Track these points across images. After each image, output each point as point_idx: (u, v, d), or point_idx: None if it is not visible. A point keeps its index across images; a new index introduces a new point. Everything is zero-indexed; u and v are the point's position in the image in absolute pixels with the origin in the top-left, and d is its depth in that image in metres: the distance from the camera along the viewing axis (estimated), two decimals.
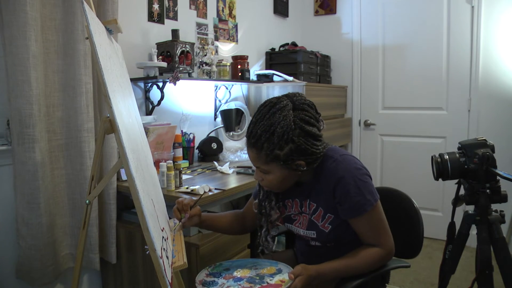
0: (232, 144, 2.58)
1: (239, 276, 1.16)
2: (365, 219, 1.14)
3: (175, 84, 1.93)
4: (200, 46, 2.45)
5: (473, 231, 1.34)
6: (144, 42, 2.12)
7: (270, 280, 1.11)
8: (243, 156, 2.44)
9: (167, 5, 2.24)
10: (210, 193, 1.61)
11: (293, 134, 1.08)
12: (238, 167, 2.14)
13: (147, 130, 1.86)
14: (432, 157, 1.39)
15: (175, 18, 2.29)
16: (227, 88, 2.66)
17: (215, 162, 2.21)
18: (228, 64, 2.45)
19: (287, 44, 3.19)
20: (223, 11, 2.67)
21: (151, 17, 2.15)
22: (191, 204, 1.28)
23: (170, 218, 1.49)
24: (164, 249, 1.05)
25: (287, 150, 1.08)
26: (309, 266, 1.10)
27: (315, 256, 1.26)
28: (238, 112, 2.67)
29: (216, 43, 2.60)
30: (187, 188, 1.63)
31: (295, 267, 1.09)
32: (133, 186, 0.98)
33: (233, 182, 1.83)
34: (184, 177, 1.87)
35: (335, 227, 1.19)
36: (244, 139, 2.69)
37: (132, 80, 1.89)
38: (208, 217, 1.36)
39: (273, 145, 1.08)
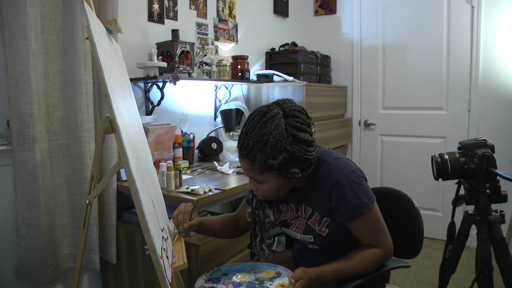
0: (232, 144, 2.58)
1: (238, 281, 1.15)
2: (362, 222, 1.14)
3: (175, 84, 1.93)
4: (200, 46, 2.45)
5: (473, 231, 1.34)
6: (144, 42, 2.12)
7: (270, 284, 1.11)
8: None
9: (167, 5, 2.24)
10: (210, 193, 1.61)
11: (286, 142, 1.07)
12: (238, 167, 2.14)
13: (147, 130, 1.86)
14: (432, 157, 1.39)
15: (175, 18, 2.29)
16: (227, 88, 2.66)
17: (215, 162, 2.21)
18: (228, 64, 2.45)
19: (287, 44, 3.19)
20: (223, 11, 2.67)
21: (151, 17, 2.15)
22: (190, 212, 1.25)
23: (170, 219, 1.49)
24: (164, 249, 1.05)
25: (281, 159, 1.07)
26: (308, 269, 1.09)
27: (313, 258, 1.25)
28: (238, 112, 2.67)
29: (216, 43, 2.60)
30: (187, 188, 1.63)
31: (295, 270, 1.08)
32: (133, 186, 0.98)
33: (233, 182, 1.83)
34: (184, 177, 1.87)
35: (332, 230, 1.19)
36: None
37: (132, 80, 1.89)
38: (203, 223, 1.32)
39: (266, 155, 1.06)
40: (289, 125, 1.08)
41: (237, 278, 1.17)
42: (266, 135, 1.06)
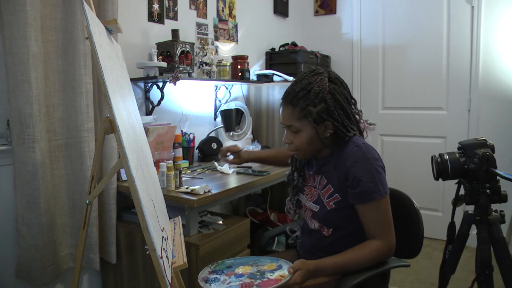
0: (232, 144, 2.58)
1: (240, 272, 1.17)
2: (372, 207, 1.17)
3: (175, 84, 1.93)
4: (200, 46, 2.45)
5: (473, 231, 1.34)
6: (144, 42, 2.12)
7: (271, 275, 1.13)
8: None
9: (167, 5, 2.24)
10: (210, 193, 1.62)
11: (327, 96, 1.19)
12: (238, 167, 2.14)
13: (147, 130, 1.86)
14: (432, 157, 1.39)
15: (175, 18, 2.29)
16: (227, 88, 2.66)
17: (215, 162, 2.21)
18: (228, 64, 2.45)
19: (287, 44, 3.19)
20: (223, 11, 2.67)
21: (151, 17, 2.15)
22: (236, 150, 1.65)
23: (170, 218, 1.49)
24: (164, 249, 1.05)
25: (319, 108, 1.18)
26: (308, 261, 1.11)
27: (314, 246, 1.31)
28: (238, 112, 2.67)
29: (216, 43, 2.60)
30: (187, 188, 1.63)
31: (295, 262, 1.11)
32: (133, 186, 0.98)
33: (233, 182, 1.83)
34: (184, 177, 1.87)
35: (337, 208, 1.22)
36: (245, 139, 2.71)
37: (132, 80, 1.89)
38: (256, 156, 1.73)
39: (308, 100, 1.18)
40: (331, 86, 1.20)
41: (239, 270, 1.19)
42: (312, 84, 1.20)
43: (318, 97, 1.18)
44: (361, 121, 1.29)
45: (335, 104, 1.19)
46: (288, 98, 1.22)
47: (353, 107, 1.26)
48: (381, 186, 1.16)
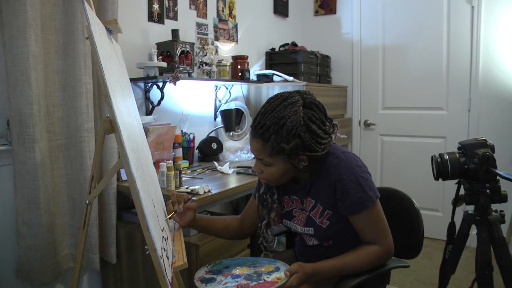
0: (232, 144, 2.58)
1: (237, 273, 1.17)
2: (365, 216, 1.15)
3: (175, 84, 1.93)
4: (200, 46, 2.45)
5: (473, 231, 1.34)
6: (144, 42, 2.12)
7: (267, 277, 1.12)
8: (243, 156, 2.44)
9: (167, 5, 2.24)
10: (210, 193, 1.61)
11: (301, 129, 1.09)
12: (238, 167, 2.14)
13: (147, 130, 1.86)
14: (432, 157, 1.39)
15: (175, 18, 2.29)
16: (227, 88, 2.66)
17: (215, 162, 2.21)
18: (228, 64, 2.45)
19: (287, 44, 3.19)
20: (223, 11, 2.67)
21: (151, 17, 2.15)
22: (186, 198, 1.27)
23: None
24: (164, 249, 1.05)
25: (292, 145, 1.09)
26: (305, 264, 1.10)
27: (314, 256, 1.26)
28: (238, 112, 2.67)
29: (216, 43, 2.60)
30: (187, 188, 1.63)
31: (292, 264, 1.10)
32: (133, 186, 0.98)
33: (233, 182, 1.83)
34: (184, 177, 1.87)
35: (333, 223, 1.19)
36: (244, 139, 2.71)
37: (132, 80, 1.89)
38: (203, 217, 1.34)
39: (280, 138, 1.08)
40: (306, 115, 1.11)
41: (236, 271, 1.19)
42: (284, 118, 1.08)
43: (292, 133, 1.08)
44: (335, 131, 1.21)
45: (310, 137, 1.10)
46: (258, 131, 1.11)
47: (327, 124, 1.17)
48: (371, 192, 1.14)
